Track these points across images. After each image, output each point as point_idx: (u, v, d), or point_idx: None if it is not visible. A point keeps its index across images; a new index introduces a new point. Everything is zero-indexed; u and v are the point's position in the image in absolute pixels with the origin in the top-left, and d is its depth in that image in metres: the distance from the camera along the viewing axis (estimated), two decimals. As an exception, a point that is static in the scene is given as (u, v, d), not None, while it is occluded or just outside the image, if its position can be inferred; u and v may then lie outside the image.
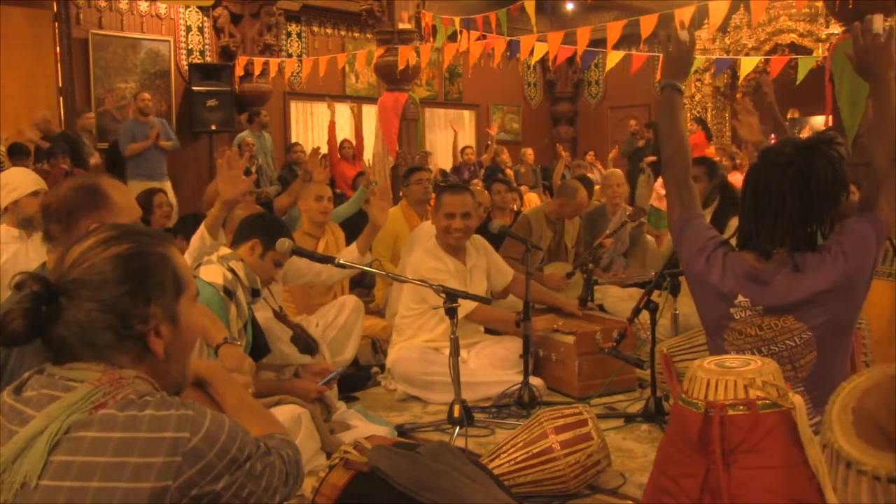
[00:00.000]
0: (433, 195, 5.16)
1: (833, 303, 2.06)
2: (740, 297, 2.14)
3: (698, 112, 12.32)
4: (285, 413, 2.76)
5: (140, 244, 1.34)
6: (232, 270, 3.07)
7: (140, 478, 1.18)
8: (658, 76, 9.22)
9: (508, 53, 8.15)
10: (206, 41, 10.91)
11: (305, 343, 3.60)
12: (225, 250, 3.16)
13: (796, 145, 2.14)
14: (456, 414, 3.22)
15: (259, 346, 3.26)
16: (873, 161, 2.19)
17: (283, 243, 3.39)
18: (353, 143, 9.83)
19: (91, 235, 1.35)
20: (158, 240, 1.39)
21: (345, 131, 12.57)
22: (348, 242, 5.04)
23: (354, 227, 5.55)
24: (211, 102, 10.22)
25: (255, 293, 3.19)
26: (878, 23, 2.21)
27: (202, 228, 3.28)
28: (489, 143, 11.75)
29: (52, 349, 1.30)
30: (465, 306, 3.45)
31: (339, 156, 9.47)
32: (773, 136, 3.62)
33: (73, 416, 1.21)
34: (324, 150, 9.25)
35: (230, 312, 2.99)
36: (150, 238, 1.38)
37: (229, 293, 3.01)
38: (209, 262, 3.09)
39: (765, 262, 2.13)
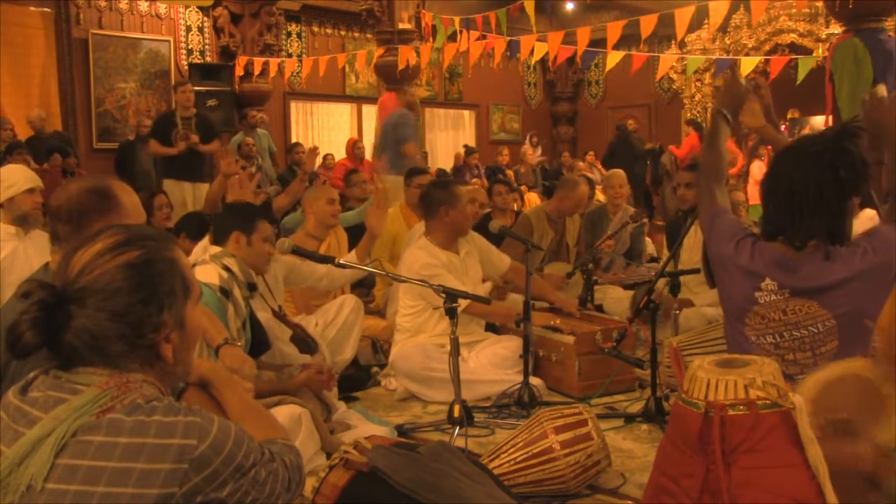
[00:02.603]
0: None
1: (858, 291, 2.11)
2: (767, 281, 2.18)
3: (698, 112, 12.33)
4: (285, 413, 2.75)
5: (150, 250, 1.32)
6: (227, 268, 3.06)
7: (146, 484, 1.18)
8: (658, 76, 9.28)
9: (508, 53, 8.15)
10: (206, 41, 10.92)
11: (305, 343, 3.60)
12: (215, 249, 3.15)
13: (825, 137, 2.20)
14: (456, 414, 3.21)
15: (259, 343, 3.25)
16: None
17: (284, 243, 3.39)
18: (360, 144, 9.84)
19: (97, 240, 1.32)
20: (166, 243, 1.37)
21: (345, 132, 12.60)
22: (350, 244, 5.05)
23: (357, 230, 5.55)
24: (211, 102, 10.21)
25: (251, 287, 3.18)
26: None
27: (206, 241, 3.29)
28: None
29: (61, 356, 1.29)
30: (463, 300, 3.47)
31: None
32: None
33: (80, 419, 1.21)
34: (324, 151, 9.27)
35: (228, 312, 2.99)
36: (158, 242, 1.36)
37: (226, 293, 3.00)
38: (203, 262, 3.08)
39: (795, 252, 2.18)
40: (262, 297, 3.63)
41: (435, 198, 4.10)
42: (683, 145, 11.29)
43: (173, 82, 10.41)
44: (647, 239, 6.75)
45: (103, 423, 1.21)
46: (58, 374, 1.29)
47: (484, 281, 4.41)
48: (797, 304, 2.15)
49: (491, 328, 4.36)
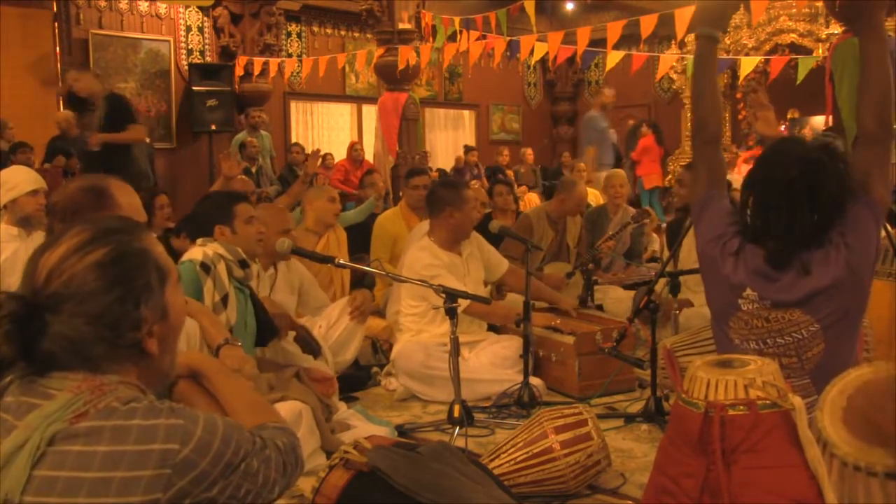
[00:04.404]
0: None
1: (840, 295, 2.05)
2: (749, 290, 2.13)
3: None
4: (286, 409, 2.76)
5: (118, 245, 1.27)
6: (212, 251, 3.08)
7: (127, 492, 1.15)
8: (658, 76, 9.26)
9: (508, 53, 8.15)
10: (206, 41, 10.91)
11: (308, 345, 3.61)
12: (200, 240, 3.16)
13: (800, 159, 2.09)
14: (456, 414, 3.21)
15: (266, 328, 3.23)
16: (860, 124, 2.12)
17: (283, 242, 3.39)
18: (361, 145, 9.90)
19: (62, 241, 1.26)
20: (134, 234, 1.31)
21: (345, 132, 12.61)
22: (350, 244, 5.06)
23: (356, 232, 5.57)
24: (211, 102, 10.22)
25: (243, 264, 3.15)
26: None
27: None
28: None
29: (37, 363, 1.23)
30: (462, 300, 3.48)
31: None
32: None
33: (52, 425, 1.17)
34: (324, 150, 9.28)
35: (205, 285, 2.97)
36: (126, 235, 1.30)
37: (206, 267, 3.00)
38: (191, 247, 3.13)
39: (775, 264, 2.11)
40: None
41: (442, 197, 4.11)
42: (638, 147, 11.33)
43: (172, 81, 10.44)
44: (654, 235, 6.75)
45: (81, 430, 1.17)
46: (31, 378, 1.24)
47: (486, 285, 4.41)
48: (779, 313, 2.10)
49: (491, 327, 4.36)
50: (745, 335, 2.15)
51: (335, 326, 4.02)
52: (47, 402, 1.20)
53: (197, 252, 3.05)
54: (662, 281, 3.56)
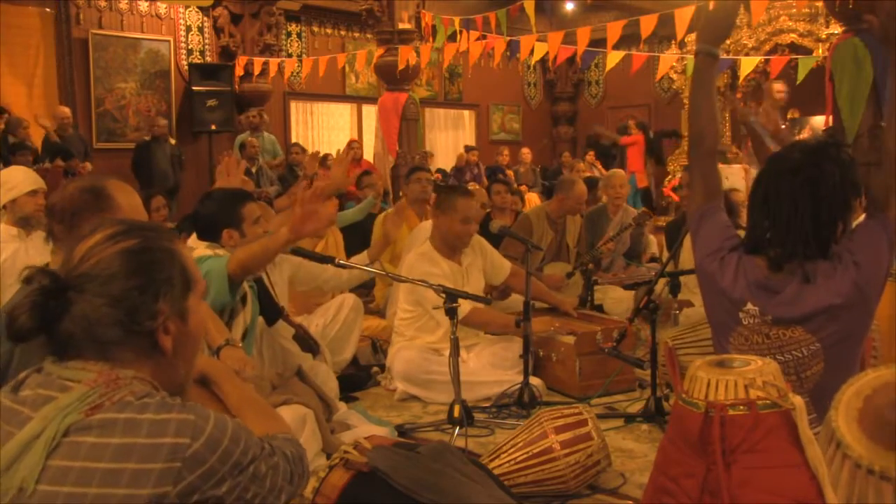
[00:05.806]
0: (433, 195, 5.18)
1: (845, 315, 2.02)
2: (749, 305, 2.10)
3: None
4: (289, 413, 2.75)
5: (148, 239, 1.33)
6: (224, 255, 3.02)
7: (138, 484, 1.17)
8: (658, 76, 9.26)
9: (508, 53, 8.14)
10: (206, 41, 10.92)
11: (307, 343, 3.61)
12: (205, 244, 3.09)
13: (804, 150, 2.08)
14: (456, 414, 3.21)
15: (270, 309, 3.20)
16: (886, 146, 2.08)
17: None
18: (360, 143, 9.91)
19: (98, 231, 1.33)
20: (165, 235, 1.38)
21: (345, 132, 12.61)
22: (349, 244, 5.07)
23: (355, 232, 5.57)
24: (211, 102, 10.22)
25: None
26: None
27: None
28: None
29: (56, 344, 1.28)
30: (461, 309, 3.45)
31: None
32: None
33: (68, 417, 1.20)
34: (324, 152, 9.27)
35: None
36: (158, 233, 1.36)
37: None
38: (195, 248, 3.05)
39: (776, 271, 2.08)
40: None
41: (437, 197, 4.14)
42: (629, 138, 11.52)
43: (172, 81, 10.44)
44: (652, 238, 6.75)
45: (95, 422, 1.20)
46: (49, 371, 1.28)
47: (491, 293, 4.41)
48: (780, 330, 2.07)
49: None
50: (744, 350, 2.11)
51: (332, 324, 4.02)
52: (63, 395, 1.23)
53: (206, 251, 2.99)
54: (662, 281, 3.56)
